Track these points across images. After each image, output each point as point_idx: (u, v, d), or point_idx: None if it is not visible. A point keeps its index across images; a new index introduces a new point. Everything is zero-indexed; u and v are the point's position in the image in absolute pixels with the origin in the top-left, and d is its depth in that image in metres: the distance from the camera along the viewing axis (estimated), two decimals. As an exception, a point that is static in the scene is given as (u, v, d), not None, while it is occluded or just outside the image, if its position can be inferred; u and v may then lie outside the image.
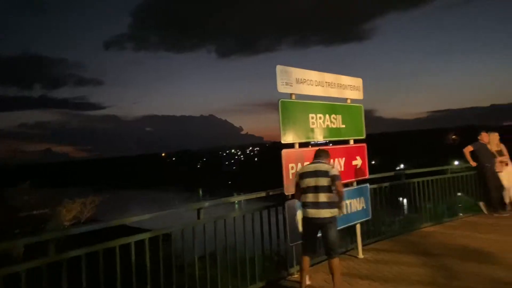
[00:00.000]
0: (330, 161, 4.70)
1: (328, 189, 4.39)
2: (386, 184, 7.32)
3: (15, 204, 24.58)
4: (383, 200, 7.05)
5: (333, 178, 4.39)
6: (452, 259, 5.60)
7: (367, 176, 6.25)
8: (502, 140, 8.83)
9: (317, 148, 4.93)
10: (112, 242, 3.82)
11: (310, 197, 4.46)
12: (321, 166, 4.50)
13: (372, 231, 6.68)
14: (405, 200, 7.93)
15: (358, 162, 6.06)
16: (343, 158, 5.82)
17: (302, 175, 4.56)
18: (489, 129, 9.17)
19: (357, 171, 6.03)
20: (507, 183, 8.52)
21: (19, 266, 3.25)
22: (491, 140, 8.67)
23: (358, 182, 6.09)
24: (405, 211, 8.01)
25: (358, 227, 6.01)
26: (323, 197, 4.39)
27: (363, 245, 6.13)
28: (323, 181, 4.40)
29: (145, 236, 4.10)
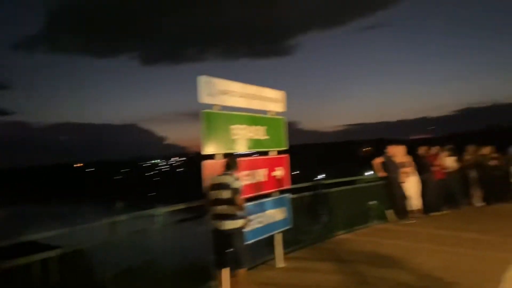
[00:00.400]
0: (237, 172, 4.74)
1: (231, 201, 4.46)
2: (306, 194, 7.62)
3: None
4: (303, 209, 7.30)
5: (234, 191, 4.46)
6: (363, 265, 5.97)
7: (289, 186, 6.46)
8: (408, 152, 9.67)
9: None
10: (11, 262, 3.46)
11: (216, 209, 4.53)
12: (225, 179, 4.56)
13: (291, 240, 6.86)
14: (322, 209, 8.30)
15: (280, 172, 6.23)
16: (266, 169, 5.95)
17: (211, 187, 4.61)
18: (396, 143, 10.01)
19: (279, 181, 6.20)
20: (410, 193, 9.35)
21: None
22: (397, 153, 9.46)
23: (281, 192, 6.26)
24: (322, 220, 8.39)
25: (277, 236, 6.14)
26: (226, 209, 4.47)
27: (283, 254, 6.28)
28: (226, 193, 4.46)
29: (52, 254, 3.79)
